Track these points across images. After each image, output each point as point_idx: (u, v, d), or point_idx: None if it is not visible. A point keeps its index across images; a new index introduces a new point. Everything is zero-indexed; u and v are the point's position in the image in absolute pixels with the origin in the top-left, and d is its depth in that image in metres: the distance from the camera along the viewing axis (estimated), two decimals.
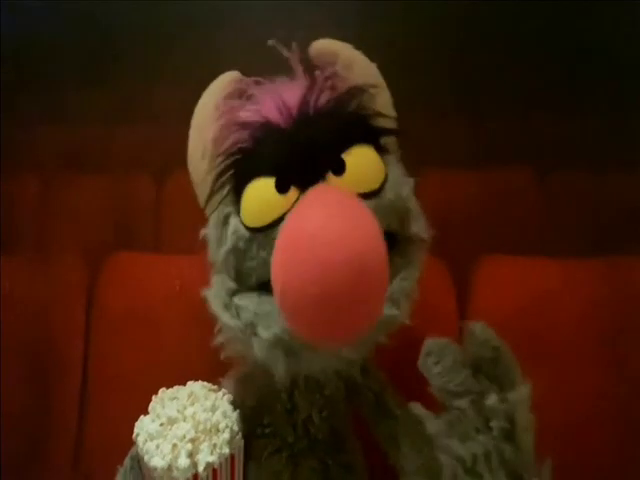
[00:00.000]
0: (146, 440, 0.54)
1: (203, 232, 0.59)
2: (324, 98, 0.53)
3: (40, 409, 0.94)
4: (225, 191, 0.55)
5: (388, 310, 0.50)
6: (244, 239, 0.53)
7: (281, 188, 0.51)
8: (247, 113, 0.55)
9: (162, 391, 0.59)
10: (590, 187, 1.29)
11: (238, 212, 0.54)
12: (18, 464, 0.91)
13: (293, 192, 0.51)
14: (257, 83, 0.58)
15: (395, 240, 0.55)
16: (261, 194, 0.52)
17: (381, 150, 0.56)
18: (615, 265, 0.89)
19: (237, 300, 0.54)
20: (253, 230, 0.52)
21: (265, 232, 0.51)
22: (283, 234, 0.48)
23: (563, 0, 1.94)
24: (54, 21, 2.21)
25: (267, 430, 0.62)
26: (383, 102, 0.59)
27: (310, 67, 0.58)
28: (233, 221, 0.54)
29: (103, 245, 1.19)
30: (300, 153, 0.51)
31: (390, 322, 0.52)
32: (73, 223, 1.41)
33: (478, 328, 0.59)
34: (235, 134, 0.55)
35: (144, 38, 2.12)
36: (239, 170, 0.55)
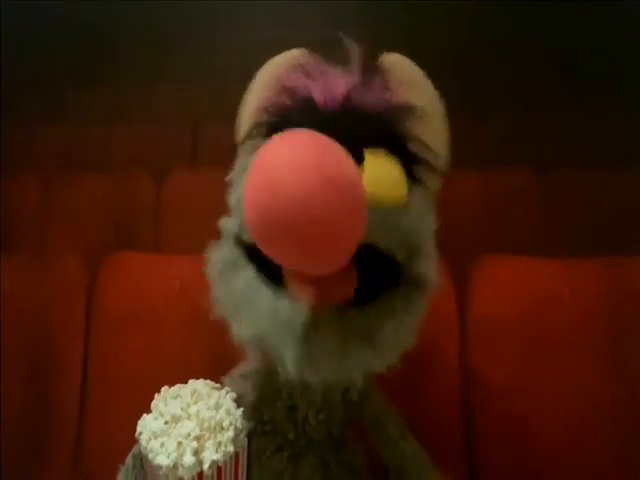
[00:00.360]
0: (150, 438, 0.53)
1: (229, 175, 0.60)
2: (371, 99, 0.53)
3: (40, 409, 0.94)
4: (255, 142, 0.57)
5: (368, 357, 0.49)
6: None
7: None
8: (296, 83, 0.56)
9: (164, 389, 0.59)
10: (590, 187, 1.29)
11: None
12: (18, 464, 0.91)
13: None
14: (320, 64, 0.58)
15: (400, 277, 0.52)
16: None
17: (413, 178, 0.53)
18: (615, 265, 0.89)
19: (231, 276, 0.54)
20: None
21: None
22: (260, 151, 0.46)
23: (563, 1, 1.95)
24: (54, 21, 2.22)
25: (267, 428, 0.62)
26: (434, 134, 0.56)
27: (374, 70, 0.57)
28: None
29: (103, 245, 1.19)
30: (327, 131, 0.49)
31: (364, 364, 0.50)
32: (73, 223, 1.42)
33: None
34: (280, 97, 0.56)
35: (144, 38, 2.13)
36: (271, 129, 0.55)
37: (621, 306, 0.86)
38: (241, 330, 0.51)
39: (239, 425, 0.55)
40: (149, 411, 0.57)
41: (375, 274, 0.46)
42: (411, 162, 0.54)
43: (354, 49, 0.57)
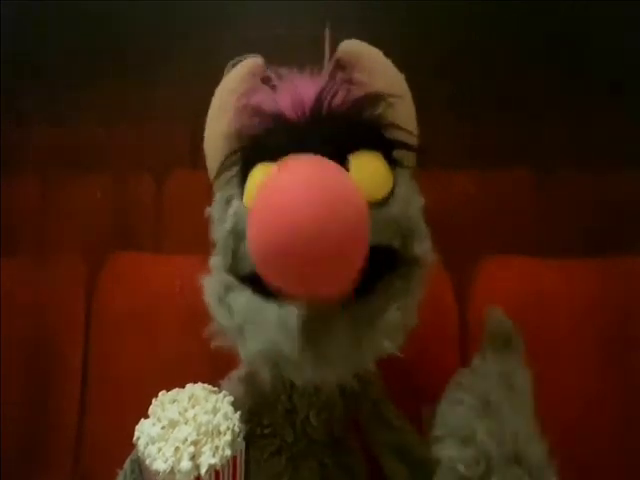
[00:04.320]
0: (147, 444, 0.53)
1: (208, 210, 0.59)
2: (339, 99, 0.53)
3: (40, 409, 0.94)
4: (232, 172, 0.56)
5: (378, 341, 0.49)
6: (244, 221, 0.52)
7: None
8: (262, 100, 0.56)
9: (162, 394, 0.59)
10: (590, 187, 1.29)
11: (242, 195, 0.55)
12: (18, 464, 0.91)
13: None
14: (278, 72, 0.58)
15: (397, 260, 0.53)
16: (263, 179, 0.51)
17: (393, 163, 0.54)
18: (615, 265, 0.89)
19: (230, 299, 0.54)
20: None
21: None
22: (262, 185, 0.46)
23: (563, 1, 1.95)
24: (54, 21, 2.22)
25: (266, 430, 0.62)
26: (404, 114, 0.57)
27: (335, 66, 0.57)
28: (235, 203, 0.55)
29: (103, 245, 1.19)
30: (307, 147, 0.50)
31: (375, 348, 0.50)
32: (73, 223, 1.42)
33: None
34: (247, 119, 0.56)
35: (144, 38, 2.13)
36: (246, 154, 0.55)
37: (621, 306, 0.86)
38: (249, 349, 0.51)
39: (237, 429, 0.55)
40: (145, 418, 0.56)
41: (372, 262, 0.46)
42: (389, 147, 0.54)
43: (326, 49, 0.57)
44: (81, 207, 1.43)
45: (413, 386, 0.84)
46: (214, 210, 0.59)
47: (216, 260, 0.57)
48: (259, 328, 0.50)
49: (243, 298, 0.53)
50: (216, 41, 2.08)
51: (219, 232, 0.56)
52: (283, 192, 0.43)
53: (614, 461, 0.81)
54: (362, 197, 0.45)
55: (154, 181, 1.45)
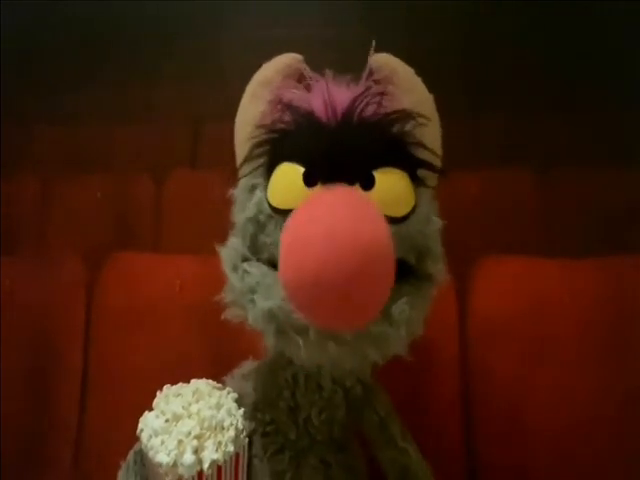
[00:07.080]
0: (151, 436, 0.53)
1: (231, 191, 0.60)
2: (371, 110, 0.54)
3: (40, 409, 0.94)
4: (258, 162, 0.57)
5: (381, 326, 0.49)
6: (265, 214, 0.54)
7: (308, 181, 0.51)
8: (295, 96, 0.56)
9: (166, 387, 0.59)
10: (590, 187, 1.29)
11: (265, 186, 0.55)
12: (18, 464, 0.91)
13: (319, 188, 0.51)
14: (315, 73, 0.58)
15: (409, 271, 0.53)
16: (289, 179, 0.53)
17: (416, 181, 0.55)
18: (615, 265, 0.89)
19: (246, 265, 0.55)
20: (274, 209, 0.53)
21: (285, 215, 0.51)
22: (293, 216, 0.49)
23: (563, 1, 1.95)
24: (54, 21, 2.22)
25: (269, 428, 0.62)
26: (431, 135, 0.57)
27: (368, 77, 0.57)
28: (259, 193, 0.55)
29: (103, 245, 1.19)
30: (335, 154, 0.51)
31: (381, 338, 0.50)
32: (73, 223, 1.42)
33: None
34: (279, 113, 0.56)
35: (144, 38, 2.13)
36: (274, 148, 0.56)
37: (620, 306, 0.86)
38: (258, 308, 0.51)
39: (240, 425, 0.55)
40: (149, 411, 0.57)
41: None
42: (414, 165, 0.55)
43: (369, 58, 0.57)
44: (81, 207, 1.43)
45: (413, 386, 0.84)
46: (238, 194, 0.59)
47: (234, 240, 0.57)
48: (270, 290, 0.51)
49: (259, 267, 0.54)
50: (216, 41, 2.09)
51: (239, 217, 0.57)
52: (318, 225, 0.45)
53: (614, 461, 0.81)
54: (388, 228, 0.47)
55: (154, 181, 1.45)
